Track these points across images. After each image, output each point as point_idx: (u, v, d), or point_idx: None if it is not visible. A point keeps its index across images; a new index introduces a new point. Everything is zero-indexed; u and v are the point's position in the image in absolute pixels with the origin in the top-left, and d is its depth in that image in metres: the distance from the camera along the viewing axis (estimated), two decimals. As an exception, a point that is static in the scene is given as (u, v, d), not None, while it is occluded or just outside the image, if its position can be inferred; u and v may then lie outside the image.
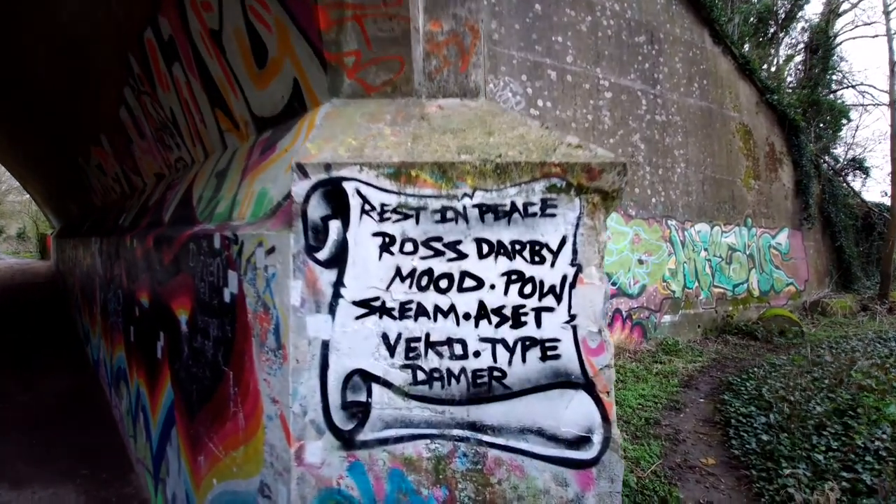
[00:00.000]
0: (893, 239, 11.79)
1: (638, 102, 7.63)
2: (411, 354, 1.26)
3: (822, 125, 19.85)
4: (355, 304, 1.28)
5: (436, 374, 1.27)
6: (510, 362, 1.24)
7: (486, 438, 1.24)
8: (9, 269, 20.34)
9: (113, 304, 4.37)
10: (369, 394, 1.28)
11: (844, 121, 20.30)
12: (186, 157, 3.35)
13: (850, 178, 20.10)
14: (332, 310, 1.29)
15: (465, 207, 1.24)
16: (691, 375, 5.86)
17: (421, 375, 1.26)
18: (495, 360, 1.23)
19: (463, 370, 1.26)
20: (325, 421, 1.31)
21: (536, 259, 1.21)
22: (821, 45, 17.76)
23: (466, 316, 1.25)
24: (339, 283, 1.28)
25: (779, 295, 9.78)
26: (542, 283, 1.21)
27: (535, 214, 1.21)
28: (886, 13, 12.99)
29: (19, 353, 6.85)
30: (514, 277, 1.22)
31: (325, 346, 1.29)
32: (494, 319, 1.23)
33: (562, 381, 1.21)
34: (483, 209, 1.23)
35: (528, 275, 1.21)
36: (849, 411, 3.85)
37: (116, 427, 4.42)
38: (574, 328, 1.21)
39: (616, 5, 7.48)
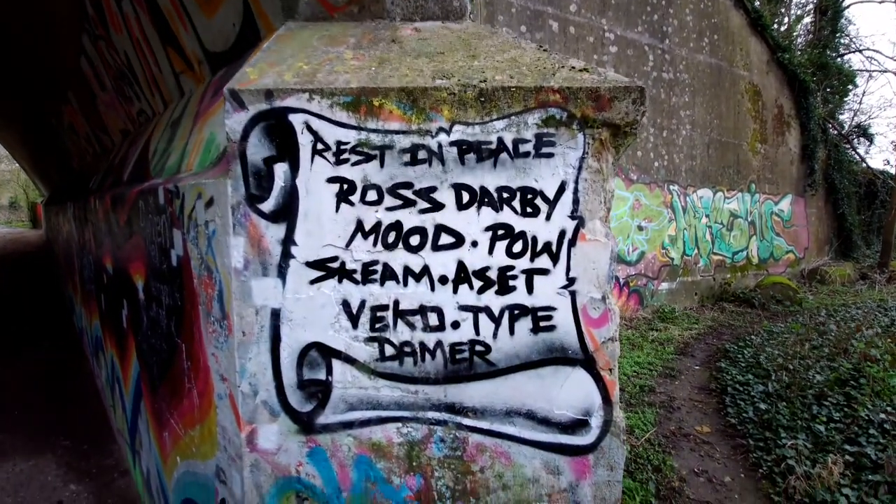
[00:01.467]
0: (895, 207, 11.59)
1: (644, 58, 7.17)
2: (378, 325, 1.06)
3: (829, 89, 19.21)
4: (309, 265, 1.06)
5: (407, 349, 1.07)
6: (495, 335, 1.03)
7: (466, 422, 1.06)
8: (0, 240, 19.98)
9: (87, 270, 4.16)
10: (329, 371, 1.09)
11: (851, 86, 19.66)
12: (147, 109, 3.04)
13: (855, 144, 19.71)
14: (281, 273, 1.07)
15: (440, 146, 1.00)
16: (687, 343, 5.78)
17: (390, 350, 1.06)
18: (478, 333, 1.03)
19: (439, 344, 1.06)
20: (279, 402, 1.12)
21: (529, 210, 0.98)
22: (830, 6, 16.91)
23: (443, 279, 1.04)
24: (288, 241, 1.05)
25: (778, 262, 9.66)
26: (534, 239, 0.99)
27: (527, 154, 0.97)
28: None
29: (5, 324, 6.69)
30: (500, 233, 1.00)
31: (276, 315, 1.08)
32: (477, 284, 1.02)
33: (557, 357, 1.01)
34: (463, 148, 0.99)
35: (517, 229, 0.99)
36: (851, 381, 3.73)
37: (99, 396, 4.31)
38: (573, 294, 1.00)
39: (624, -51, 6.89)
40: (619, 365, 4.69)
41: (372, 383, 1.08)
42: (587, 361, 1.02)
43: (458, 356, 1.05)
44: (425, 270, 1.04)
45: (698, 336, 6.12)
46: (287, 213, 1.05)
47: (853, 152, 13.15)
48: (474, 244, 1.01)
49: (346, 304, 1.06)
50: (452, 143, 0.99)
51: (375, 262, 1.03)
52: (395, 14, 1.41)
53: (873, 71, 22.29)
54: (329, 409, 1.10)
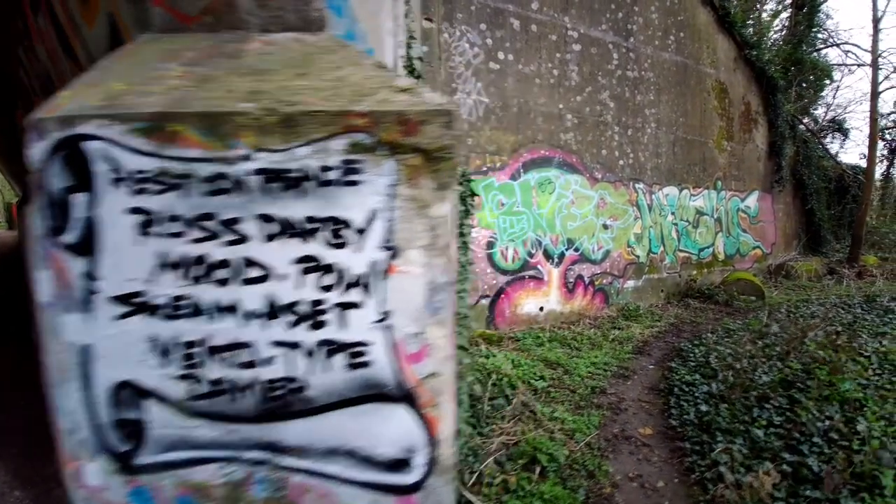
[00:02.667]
0: (867, 201, 11.80)
1: (609, 56, 7.16)
2: (190, 363, 1.00)
3: (804, 84, 19.50)
4: (115, 300, 0.99)
5: (222, 386, 1.01)
6: (311, 371, 0.98)
7: (287, 462, 1.01)
8: (-30, 239, 19.33)
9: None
10: (143, 410, 1.03)
11: (827, 80, 19.97)
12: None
13: (828, 139, 20.07)
14: (88, 308, 1.00)
15: (244, 174, 0.94)
16: (646, 341, 5.82)
17: (204, 388, 1.01)
18: (292, 369, 0.98)
19: (254, 381, 1.01)
20: (97, 441, 1.06)
21: (338, 241, 0.93)
22: (807, 2, 17.09)
23: (254, 314, 0.98)
24: (93, 275, 0.98)
25: (744, 258, 9.80)
26: (345, 271, 0.94)
27: (333, 182, 0.92)
28: None
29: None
30: (310, 265, 0.95)
31: (86, 352, 1.01)
32: (288, 318, 0.97)
33: (375, 394, 0.97)
34: (268, 176, 0.93)
35: (327, 261, 0.94)
36: (797, 384, 3.74)
37: (41, 407, 4.17)
38: (388, 329, 0.95)
39: (588, -54, 6.84)
40: (576, 366, 4.70)
41: (188, 422, 1.02)
42: (407, 398, 0.98)
43: (274, 394, 1.00)
44: (236, 305, 0.99)
45: (659, 334, 6.18)
46: (89, 245, 0.98)
47: (823, 148, 13.35)
48: (283, 277, 0.96)
49: (155, 341, 0.99)
50: (256, 172, 0.93)
51: (183, 297, 0.97)
52: (252, 25, 1.33)
53: (850, 65, 22.64)
54: (147, 448, 1.04)
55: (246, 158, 0.94)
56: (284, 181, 0.94)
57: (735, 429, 3.23)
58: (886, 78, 16.25)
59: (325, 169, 0.92)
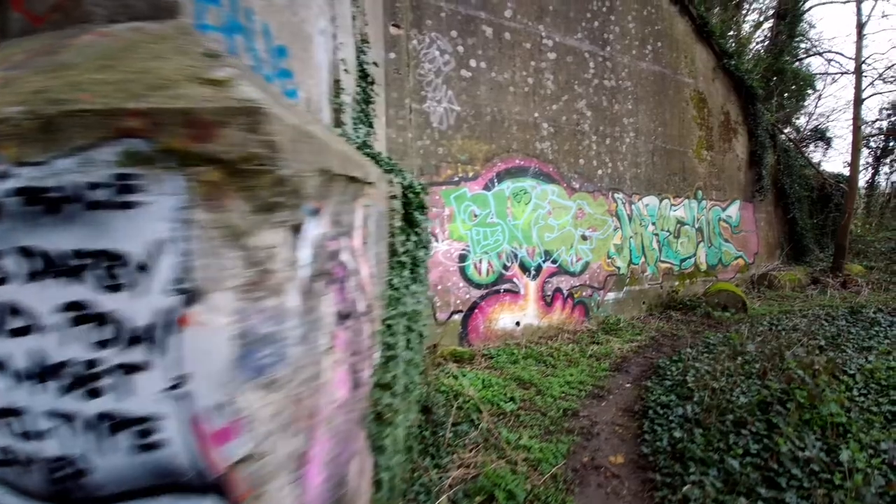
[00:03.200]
0: (850, 210, 11.76)
1: (585, 65, 7.06)
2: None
3: (786, 94, 19.75)
4: None
5: (11, 456, 0.77)
6: (92, 451, 0.75)
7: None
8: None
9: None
10: None
11: (810, 90, 20.25)
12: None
13: (811, 148, 20.29)
14: None
15: (2, 195, 0.71)
16: (625, 357, 5.61)
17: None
18: (70, 447, 0.74)
19: (35, 456, 0.76)
20: None
21: (112, 282, 0.70)
22: (789, 11, 17.32)
23: (24, 375, 0.74)
24: None
25: (727, 268, 9.69)
26: (123, 323, 0.71)
27: (104, 204, 0.69)
28: None
29: None
30: (80, 314, 0.72)
31: None
32: (59, 382, 0.73)
33: (169, 484, 0.73)
34: (29, 197, 0.70)
35: (99, 309, 0.71)
36: (776, 405, 3.53)
37: None
38: (184, 398, 0.72)
39: (563, -45, 6.77)
40: (550, 385, 4.47)
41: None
42: (214, 489, 0.74)
43: (57, 474, 0.76)
44: (3, 362, 0.75)
45: (638, 349, 5.97)
46: None
47: (803, 157, 13.38)
48: (49, 329, 0.72)
49: None
50: (17, 192, 0.70)
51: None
52: (98, 17, 1.12)
53: (833, 74, 22.96)
54: None
55: (3, 176, 0.70)
56: (46, 203, 0.70)
57: (709, 458, 3.01)
58: (871, 84, 16.48)
59: (93, 186, 0.69)
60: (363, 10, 3.48)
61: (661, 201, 8.23)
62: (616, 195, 7.45)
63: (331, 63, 2.62)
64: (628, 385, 4.69)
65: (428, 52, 5.48)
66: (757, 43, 18.71)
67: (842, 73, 19.86)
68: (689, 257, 8.85)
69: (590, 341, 6.17)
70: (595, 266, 7.13)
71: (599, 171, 7.22)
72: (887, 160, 18.11)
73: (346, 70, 2.83)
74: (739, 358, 4.73)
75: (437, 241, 5.44)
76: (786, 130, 18.59)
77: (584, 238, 6.94)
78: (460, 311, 5.65)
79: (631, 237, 7.68)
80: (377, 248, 2.25)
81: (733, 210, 9.92)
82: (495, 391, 4.34)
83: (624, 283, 7.59)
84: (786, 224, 11.86)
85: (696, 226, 8.98)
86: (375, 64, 3.70)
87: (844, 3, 17.92)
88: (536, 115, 6.44)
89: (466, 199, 5.69)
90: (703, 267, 9.17)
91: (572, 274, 6.81)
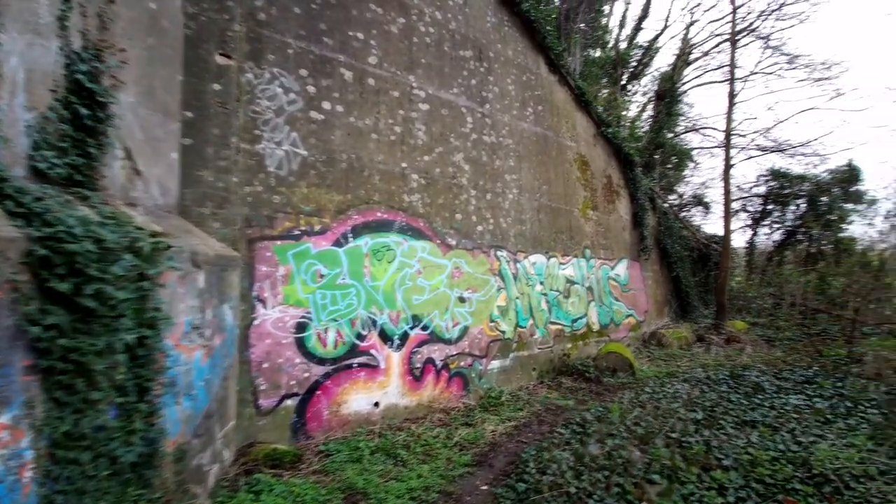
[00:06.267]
0: (726, 269, 12.65)
1: (462, 119, 6.82)
2: None
3: (668, 165, 22.20)
4: None
5: None
6: None
7: None
8: None
9: None
10: None
11: (689, 161, 22.98)
12: None
13: (693, 212, 22.60)
14: None
15: None
16: (496, 443, 4.77)
17: None
18: None
19: None
20: None
21: None
22: (667, 93, 19.79)
23: None
24: None
25: (619, 327, 9.61)
26: None
27: None
28: (733, 47, 13.88)
29: None
30: None
31: None
32: None
33: None
34: None
35: None
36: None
37: None
38: None
39: (438, 14, 6.69)
40: (386, 496, 3.41)
41: None
42: None
43: None
44: None
45: (515, 429, 5.19)
46: None
47: (679, 220, 14.49)
48: None
49: None
50: None
51: None
52: None
53: (709, 147, 26.27)
54: None
55: None
56: None
57: None
58: (740, 151, 18.82)
59: None
60: (88, 18, 2.65)
61: (548, 259, 7.98)
62: (499, 253, 7.01)
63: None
64: (485, 487, 3.79)
65: (267, 89, 4.76)
66: (643, 121, 21.11)
67: (715, 147, 22.65)
68: (581, 317, 8.58)
69: (462, 422, 5.29)
70: (476, 331, 6.44)
71: (480, 228, 6.78)
72: (766, 221, 20.47)
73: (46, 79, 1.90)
74: (609, 441, 4.10)
75: (264, 307, 4.40)
76: (671, 197, 20.63)
77: (461, 300, 6.28)
78: (295, 395, 4.52)
79: (517, 298, 7.20)
80: None
81: (621, 268, 10.06)
82: (305, 515, 3.22)
83: (510, 349, 6.96)
84: (671, 282, 12.41)
85: (587, 284, 8.85)
86: (87, 74, 2.78)
87: (722, 82, 20.53)
88: (405, 165, 5.91)
89: (310, 256, 4.79)
90: (596, 327, 8.95)
91: (448, 341, 6.03)
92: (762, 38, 16.22)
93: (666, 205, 13.62)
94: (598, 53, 18.04)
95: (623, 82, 19.52)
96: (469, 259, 6.49)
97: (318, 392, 4.68)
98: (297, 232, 4.74)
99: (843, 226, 17.65)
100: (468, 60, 7.07)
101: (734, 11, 13.56)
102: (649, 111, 20.79)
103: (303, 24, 5.10)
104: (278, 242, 4.59)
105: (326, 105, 5.22)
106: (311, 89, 5.10)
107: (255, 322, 4.33)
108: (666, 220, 12.36)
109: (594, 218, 9.39)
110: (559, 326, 8.01)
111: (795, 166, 18.66)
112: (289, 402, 4.48)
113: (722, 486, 3.24)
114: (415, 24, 6.32)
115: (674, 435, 4.17)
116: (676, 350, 9.73)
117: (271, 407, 4.36)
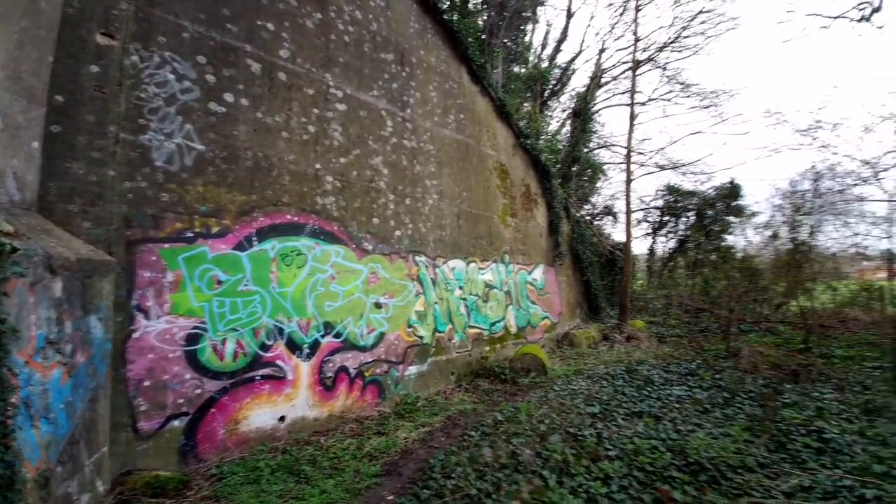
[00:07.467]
0: (628, 274, 13.94)
1: (382, 122, 6.73)
2: None
3: (584, 178, 24.03)
4: None
5: None
6: None
7: None
8: None
9: None
10: None
11: (601, 175, 25.05)
12: None
13: (604, 221, 24.67)
14: None
15: None
16: (407, 450, 4.72)
17: None
18: None
19: None
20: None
21: None
22: (582, 111, 21.38)
23: None
24: None
25: (535, 329, 10.09)
26: None
27: None
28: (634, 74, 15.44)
29: None
30: None
31: None
32: None
33: None
34: None
35: None
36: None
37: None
38: None
39: (358, 13, 6.53)
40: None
41: None
42: None
43: None
44: None
45: (428, 435, 5.18)
46: None
47: (590, 228, 15.68)
48: None
49: None
50: None
51: None
52: None
53: (617, 163, 28.79)
54: None
55: None
56: None
57: None
58: (640, 167, 20.86)
59: None
60: None
61: (468, 264, 8.15)
62: (418, 258, 7.01)
63: None
64: (391, 497, 3.71)
65: (157, 74, 4.30)
66: (562, 135, 22.62)
67: (621, 162, 25.06)
68: (500, 321, 8.87)
69: (375, 431, 5.17)
70: (392, 337, 6.36)
71: (398, 232, 6.73)
72: (663, 231, 23.00)
73: None
74: (514, 442, 4.25)
75: (147, 317, 3.93)
76: (584, 207, 22.30)
77: (378, 306, 6.16)
78: (184, 415, 4.09)
79: (436, 303, 7.24)
80: None
81: (538, 273, 10.59)
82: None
83: (428, 354, 6.97)
84: (583, 286, 13.34)
85: (505, 289, 9.17)
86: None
87: (628, 105, 22.74)
88: (319, 166, 5.67)
89: (206, 260, 4.38)
90: (514, 329, 9.30)
91: (363, 348, 5.87)
92: (660, 67, 18.17)
93: (579, 214, 14.65)
94: (521, 69, 19.00)
95: (544, 98, 20.78)
96: (386, 264, 6.40)
97: (213, 409, 4.28)
98: (189, 234, 4.32)
99: (725, 236, 20.26)
100: (390, 63, 7.01)
101: (635, 43, 15.07)
102: (568, 126, 22.38)
103: (202, 8, 4.69)
104: (166, 245, 4.14)
105: (229, 97, 4.84)
106: (211, 78, 4.70)
107: (135, 335, 3.85)
108: (579, 228, 13.27)
109: (513, 225, 9.79)
110: (478, 330, 8.19)
111: (687, 183, 21.14)
112: (176, 423, 4.03)
113: (607, 476, 3.50)
114: (333, 20, 6.13)
115: (571, 430, 4.44)
116: (585, 349, 10.44)
117: (153, 430, 3.89)
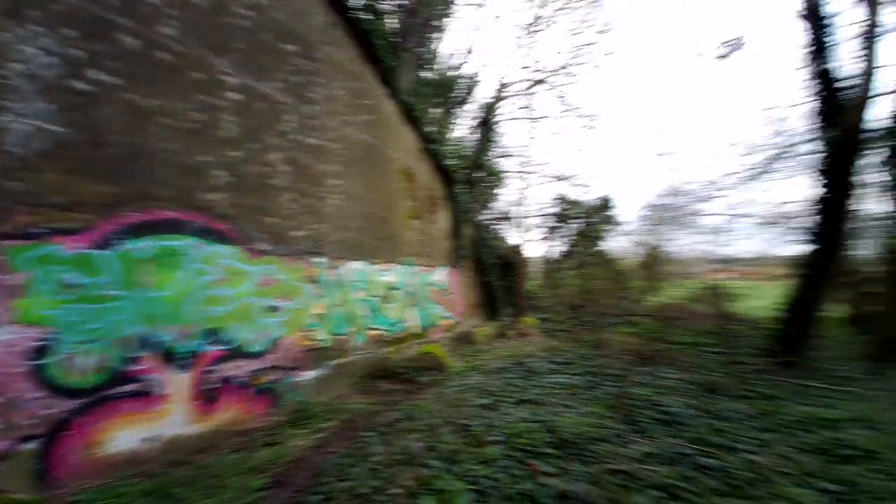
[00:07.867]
0: (522, 275, 15.14)
1: (283, 117, 6.42)
2: None
3: (487, 184, 25.45)
4: None
5: None
6: None
7: None
8: None
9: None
10: None
11: (502, 182, 26.77)
12: None
13: (503, 226, 26.44)
14: None
15: None
16: (300, 458, 4.62)
17: None
18: None
19: None
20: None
21: None
22: (487, 121, 22.53)
23: None
24: None
25: (438, 329, 10.47)
26: None
27: None
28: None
29: None
30: None
31: None
32: None
33: None
34: None
35: None
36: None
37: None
38: None
39: (258, -3, 6.14)
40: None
41: None
42: None
43: None
44: None
45: (323, 441, 5.11)
46: None
47: (488, 232, 16.72)
48: None
49: None
50: None
51: None
52: None
53: (515, 172, 30.89)
54: None
55: None
56: None
57: None
58: (533, 176, 22.79)
59: None
60: None
61: (370, 266, 8.15)
62: (317, 259, 6.83)
63: None
64: (280, 509, 3.64)
65: (23, 50, 3.61)
66: (469, 142, 23.63)
67: (520, 171, 27.07)
68: (401, 321, 9.02)
69: (264, 443, 4.95)
70: (287, 342, 6.12)
71: (297, 233, 6.49)
72: (555, 236, 25.48)
73: None
74: (405, 439, 4.43)
75: (-25, 328, 3.30)
76: (486, 211, 23.63)
77: (273, 309, 5.89)
78: (37, 437, 3.52)
79: (336, 305, 7.13)
80: None
81: (441, 275, 10.98)
82: None
83: (328, 357, 6.85)
84: (483, 286, 14.13)
85: (408, 290, 9.35)
86: None
87: (533, 119, 24.59)
88: (207, 158, 5.23)
89: (60, 260, 3.80)
90: (417, 329, 9.53)
91: (253, 355, 5.57)
92: (552, 88, 20.04)
93: (481, 218, 15.49)
94: (430, 75, 19.40)
95: (452, 105, 21.52)
96: (282, 265, 6.14)
97: (69, 431, 3.74)
98: (41, 230, 3.71)
99: (600, 241, 23.04)
100: (294, 56, 6.71)
101: (532, 65, 16.44)
102: (475, 134, 23.48)
103: (62, -32, 4.04)
104: (12, 242, 3.51)
105: (100, 75, 4.25)
106: (78, 53, 4.08)
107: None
108: (480, 232, 14.03)
109: (417, 227, 10.02)
110: (379, 331, 8.25)
111: (574, 193, 23.61)
112: (29, 446, 3.45)
113: (491, 459, 3.85)
114: (226, 3, 5.69)
115: (463, 421, 4.77)
116: (483, 346, 11.10)
117: (4, 451, 3.28)
